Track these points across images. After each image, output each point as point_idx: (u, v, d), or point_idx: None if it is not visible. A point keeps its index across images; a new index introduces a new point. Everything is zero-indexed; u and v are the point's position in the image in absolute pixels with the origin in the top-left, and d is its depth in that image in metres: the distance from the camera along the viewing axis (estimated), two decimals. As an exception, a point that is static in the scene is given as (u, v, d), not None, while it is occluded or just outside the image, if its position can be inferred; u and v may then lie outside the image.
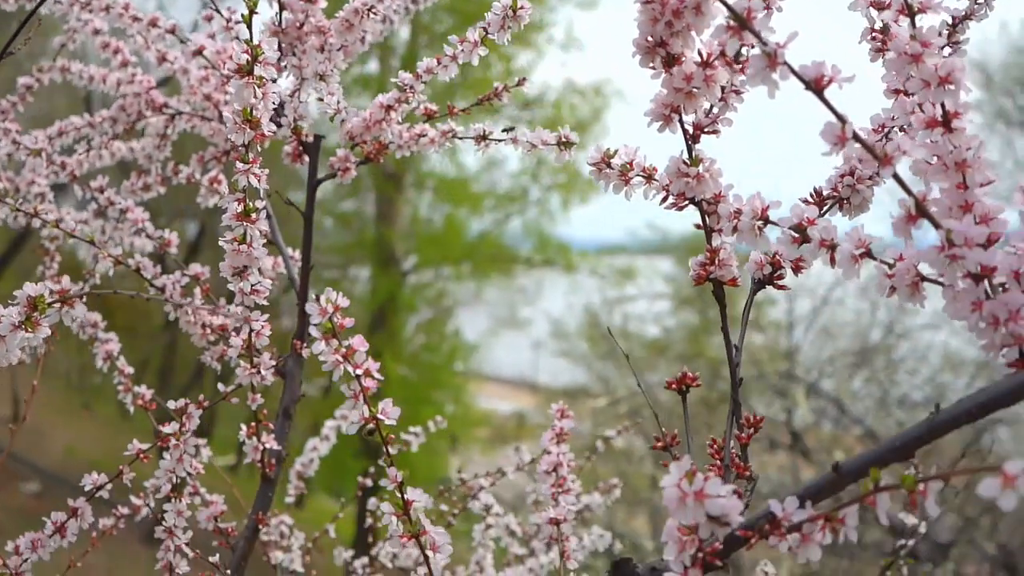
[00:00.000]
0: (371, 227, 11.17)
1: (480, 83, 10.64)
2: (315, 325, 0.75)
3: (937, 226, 0.62)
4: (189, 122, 1.41)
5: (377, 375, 0.76)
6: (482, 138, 1.12)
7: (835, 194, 0.83)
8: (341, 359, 0.76)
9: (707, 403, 6.97)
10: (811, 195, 0.84)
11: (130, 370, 1.26)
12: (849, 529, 0.60)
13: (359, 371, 0.76)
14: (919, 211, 0.63)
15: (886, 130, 0.83)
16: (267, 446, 1.14)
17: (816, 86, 0.61)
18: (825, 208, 0.83)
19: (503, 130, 1.11)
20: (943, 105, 0.65)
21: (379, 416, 0.77)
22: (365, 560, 1.55)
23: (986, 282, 0.64)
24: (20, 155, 1.30)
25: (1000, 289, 0.64)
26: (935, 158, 0.66)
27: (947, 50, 0.86)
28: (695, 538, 0.64)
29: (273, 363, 1.07)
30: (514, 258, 11.49)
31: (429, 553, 0.79)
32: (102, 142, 1.37)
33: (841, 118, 0.61)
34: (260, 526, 1.17)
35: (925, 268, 0.67)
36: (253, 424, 1.13)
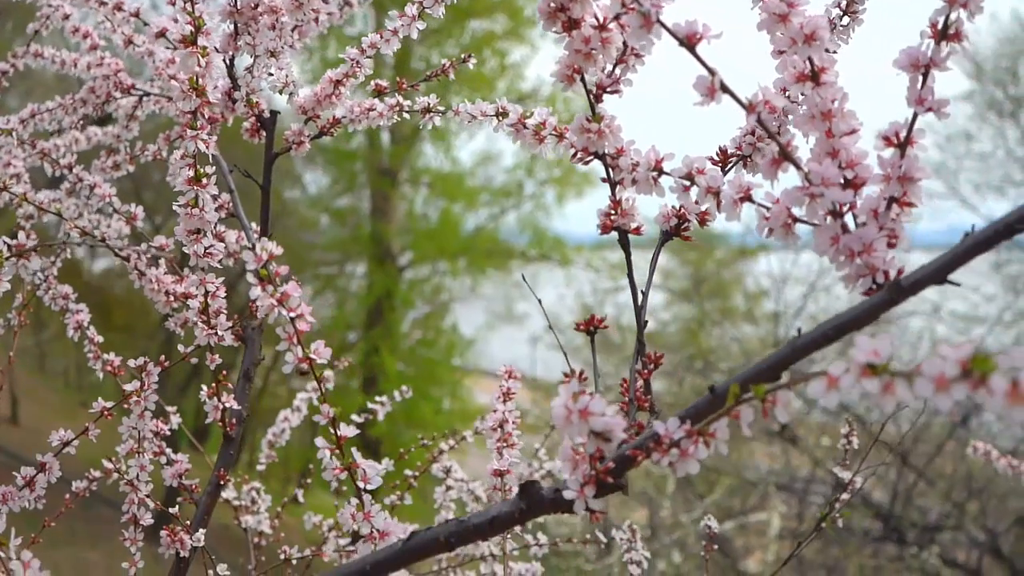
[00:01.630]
0: (367, 223, 11.23)
1: (475, 78, 10.72)
2: (250, 271, 0.81)
3: (799, 168, 0.68)
4: (157, 103, 1.47)
5: (310, 318, 0.83)
6: (426, 111, 1.18)
7: (739, 152, 0.89)
8: (276, 303, 0.82)
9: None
10: (716, 153, 0.90)
11: (100, 339, 1.31)
12: (720, 442, 0.66)
13: (293, 314, 0.82)
14: (783, 155, 0.69)
15: (787, 92, 0.89)
16: (227, 406, 1.20)
17: (689, 42, 0.67)
18: (730, 165, 0.90)
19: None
20: (811, 60, 0.72)
21: (312, 356, 0.83)
22: (331, 522, 1.61)
23: (850, 220, 0.70)
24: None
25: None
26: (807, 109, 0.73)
27: (846, 19, 0.92)
28: (586, 456, 0.70)
29: (229, 324, 1.13)
30: (510, 253, 11.55)
31: (360, 484, 0.85)
32: (72, 122, 1.43)
33: (711, 71, 0.67)
34: (221, 482, 1.23)
35: (799, 211, 0.73)
36: (214, 384, 1.19)
